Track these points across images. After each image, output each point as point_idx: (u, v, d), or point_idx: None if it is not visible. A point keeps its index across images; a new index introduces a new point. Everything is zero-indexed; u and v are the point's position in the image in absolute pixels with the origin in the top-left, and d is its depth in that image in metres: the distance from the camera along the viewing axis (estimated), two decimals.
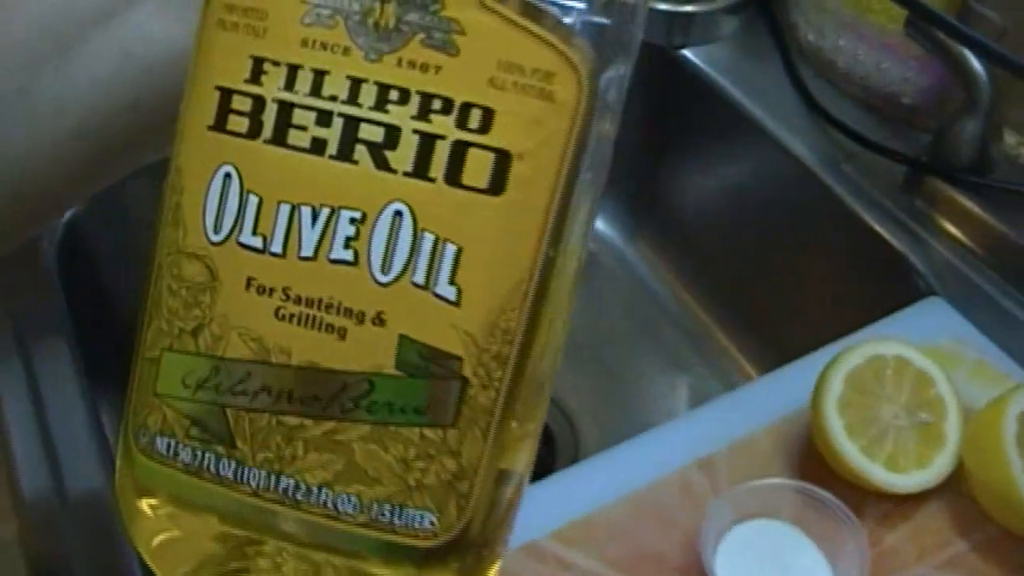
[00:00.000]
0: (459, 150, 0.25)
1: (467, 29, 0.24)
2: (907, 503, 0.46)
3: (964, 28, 0.56)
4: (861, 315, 0.61)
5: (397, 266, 0.25)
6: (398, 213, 0.25)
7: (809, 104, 0.71)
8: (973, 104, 0.61)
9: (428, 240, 0.25)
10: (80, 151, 0.33)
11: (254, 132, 0.26)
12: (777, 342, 0.77)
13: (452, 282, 0.25)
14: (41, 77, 0.32)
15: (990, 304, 0.58)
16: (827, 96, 0.71)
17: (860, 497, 0.46)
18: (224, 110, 0.26)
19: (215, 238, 0.26)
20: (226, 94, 0.26)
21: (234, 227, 0.26)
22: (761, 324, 0.79)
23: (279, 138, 0.25)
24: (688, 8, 0.77)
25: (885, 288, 0.63)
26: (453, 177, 0.25)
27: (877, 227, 0.63)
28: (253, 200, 0.26)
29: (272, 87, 0.25)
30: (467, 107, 0.25)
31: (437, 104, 0.25)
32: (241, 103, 0.26)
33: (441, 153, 0.25)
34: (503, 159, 0.25)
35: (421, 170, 0.25)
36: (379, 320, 0.25)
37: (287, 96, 0.25)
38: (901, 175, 0.66)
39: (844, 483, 0.46)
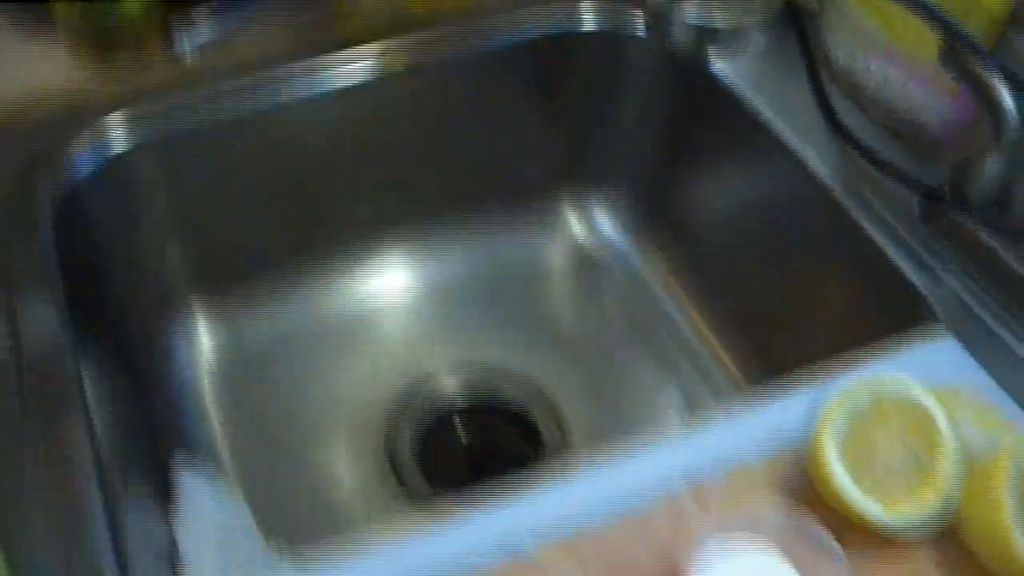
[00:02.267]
0: None
1: None
2: (903, 549, 0.46)
3: (1004, 62, 0.55)
4: (861, 338, 0.60)
5: None
6: None
7: (832, 124, 0.70)
8: (998, 140, 0.59)
9: None
10: None
11: None
12: (771, 354, 0.77)
13: None
14: None
15: (999, 345, 0.57)
16: (852, 118, 0.70)
17: (853, 536, 0.45)
18: None
19: None
20: None
21: None
22: (757, 334, 0.79)
23: None
24: (718, 23, 0.76)
25: (891, 315, 0.62)
26: None
27: (890, 253, 0.62)
28: None
29: None
30: None
31: None
32: None
33: None
34: None
35: None
36: None
37: None
38: (920, 205, 0.64)
39: (837, 518, 0.46)
